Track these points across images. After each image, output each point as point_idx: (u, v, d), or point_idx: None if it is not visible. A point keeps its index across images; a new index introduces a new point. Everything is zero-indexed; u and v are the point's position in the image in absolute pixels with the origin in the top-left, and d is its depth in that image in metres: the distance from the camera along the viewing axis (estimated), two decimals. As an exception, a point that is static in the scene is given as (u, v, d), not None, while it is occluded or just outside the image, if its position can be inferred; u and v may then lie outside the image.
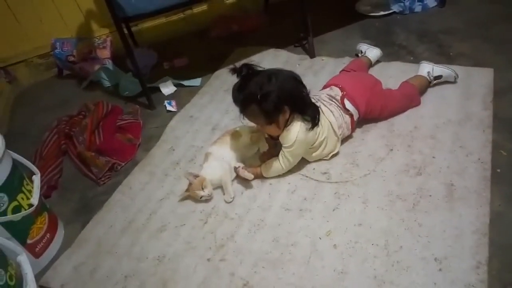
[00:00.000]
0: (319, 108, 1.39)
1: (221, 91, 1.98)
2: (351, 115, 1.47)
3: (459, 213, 1.19)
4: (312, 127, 1.34)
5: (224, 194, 1.42)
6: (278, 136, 1.39)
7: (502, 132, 1.41)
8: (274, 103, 1.27)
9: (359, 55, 1.90)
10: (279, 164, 1.40)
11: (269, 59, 2.11)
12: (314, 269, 1.14)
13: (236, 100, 1.34)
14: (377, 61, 1.87)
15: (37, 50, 2.45)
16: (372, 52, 1.85)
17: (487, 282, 1.02)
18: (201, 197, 1.39)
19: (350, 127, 1.48)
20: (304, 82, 1.36)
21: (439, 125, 1.49)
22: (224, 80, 2.05)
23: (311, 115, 1.34)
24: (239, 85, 1.32)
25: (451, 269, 1.06)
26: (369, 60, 1.83)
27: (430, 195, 1.26)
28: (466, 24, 2.05)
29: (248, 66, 1.30)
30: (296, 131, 1.32)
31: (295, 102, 1.31)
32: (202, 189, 1.38)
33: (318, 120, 1.36)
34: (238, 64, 1.32)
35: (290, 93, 1.30)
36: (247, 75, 1.30)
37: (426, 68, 1.63)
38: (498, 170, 1.29)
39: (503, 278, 1.03)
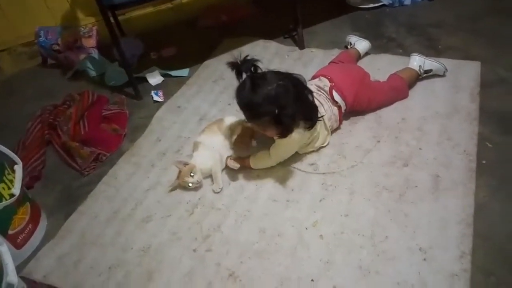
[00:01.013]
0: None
1: (210, 82, 1.96)
2: (339, 107, 1.46)
3: (444, 204, 1.20)
4: (310, 128, 1.31)
5: (213, 184, 1.41)
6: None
7: (489, 125, 1.42)
8: (291, 118, 1.21)
9: (348, 47, 1.89)
10: (269, 158, 1.39)
11: (259, 50, 2.09)
12: (300, 259, 1.14)
13: (246, 106, 1.24)
14: (366, 53, 1.87)
15: (20, 38, 2.39)
16: (361, 44, 1.84)
17: (471, 272, 1.03)
18: (190, 184, 1.38)
19: (338, 119, 1.47)
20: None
21: (426, 117, 1.50)
22: (213, 70, 2.02)
23: (314, 119, 1.31)
24: (250, 89, 1.18)
25: (436, 259, 1.07)
26: (358, 52, 1.83)
27: (416, 186, 1.26)
28: (455, 17, 2.06)
29: (251, 63, 1.18)
30: (294, 133, 1.28)
31: (305, 111, 1.27)
32: (192, 176, 1.37)
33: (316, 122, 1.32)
34: (239, 58, 1.19)
35: (303, 104, 1.25)
36: (253, 77, 1.19)
37: (417, 61, 1.62)
38: (484, 162, 1.30)
39: (486, 267, 1.05)
